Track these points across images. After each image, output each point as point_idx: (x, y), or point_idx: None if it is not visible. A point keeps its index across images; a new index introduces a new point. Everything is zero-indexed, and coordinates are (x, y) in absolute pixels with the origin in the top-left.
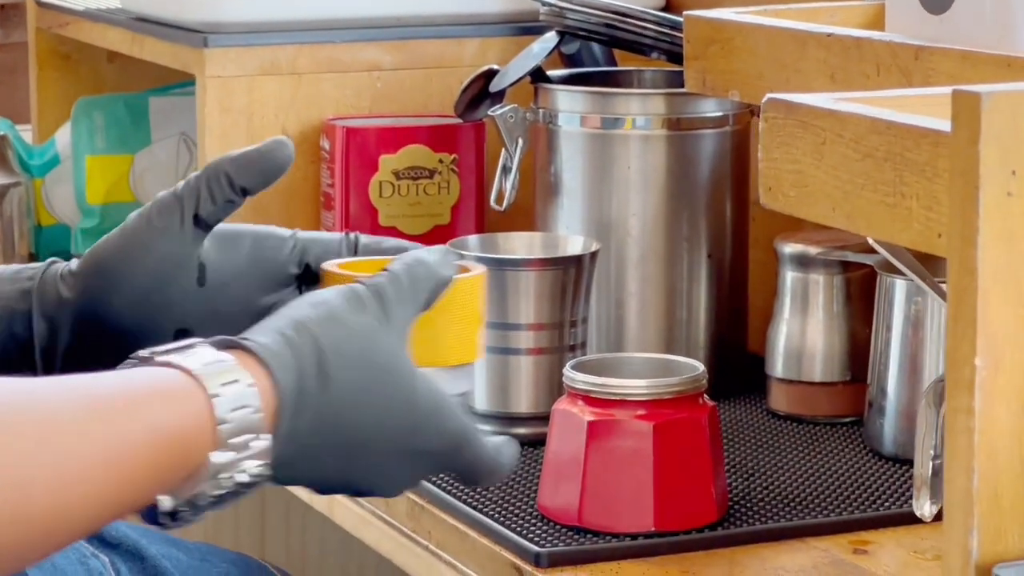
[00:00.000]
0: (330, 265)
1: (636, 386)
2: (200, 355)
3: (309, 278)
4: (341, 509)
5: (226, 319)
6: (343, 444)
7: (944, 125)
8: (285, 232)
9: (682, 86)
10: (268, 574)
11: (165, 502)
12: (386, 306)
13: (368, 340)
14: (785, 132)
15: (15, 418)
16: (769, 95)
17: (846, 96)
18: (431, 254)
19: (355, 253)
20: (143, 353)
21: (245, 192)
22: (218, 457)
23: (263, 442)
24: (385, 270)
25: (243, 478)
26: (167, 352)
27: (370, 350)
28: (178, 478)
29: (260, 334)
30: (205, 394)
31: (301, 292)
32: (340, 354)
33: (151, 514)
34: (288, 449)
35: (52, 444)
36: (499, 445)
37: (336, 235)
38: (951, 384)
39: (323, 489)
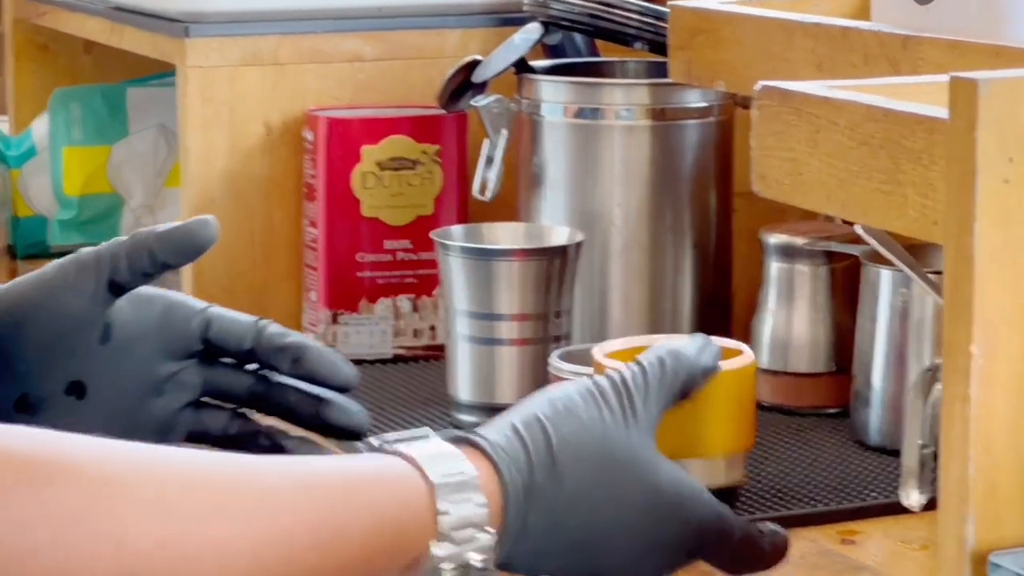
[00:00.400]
0: (597, 353)
1: None
2: (426, 446)
3: (211, 354)
4: None
5: (125, 379)
6: (578, 541)
7: (940, 112)
8: (198, 305)
9: (665, 77)
10: None
11: None
12: (630, 399)
13: (604, 434)
14: (779, 120)
15: (227, 494)
16: (763, 82)
17: (840, 84)
18: (690, 344)
19: (257, 342)
20: (373, 441)
21: (166, 267)
22: (439, 549)
23: (488, 536)
24: (636, 360)
25: (465, 573)
26: (395, 441)
27: (606, 445)
28: (394, 567)
29: (491, 429)
30: (426, 482)
31: (201, 367)
32: (573, 450)
33: None
34: (520, 547)
35: (260, 521)
36: (766, 533)
37: (247, 318)
38: (947, 371)
39: None
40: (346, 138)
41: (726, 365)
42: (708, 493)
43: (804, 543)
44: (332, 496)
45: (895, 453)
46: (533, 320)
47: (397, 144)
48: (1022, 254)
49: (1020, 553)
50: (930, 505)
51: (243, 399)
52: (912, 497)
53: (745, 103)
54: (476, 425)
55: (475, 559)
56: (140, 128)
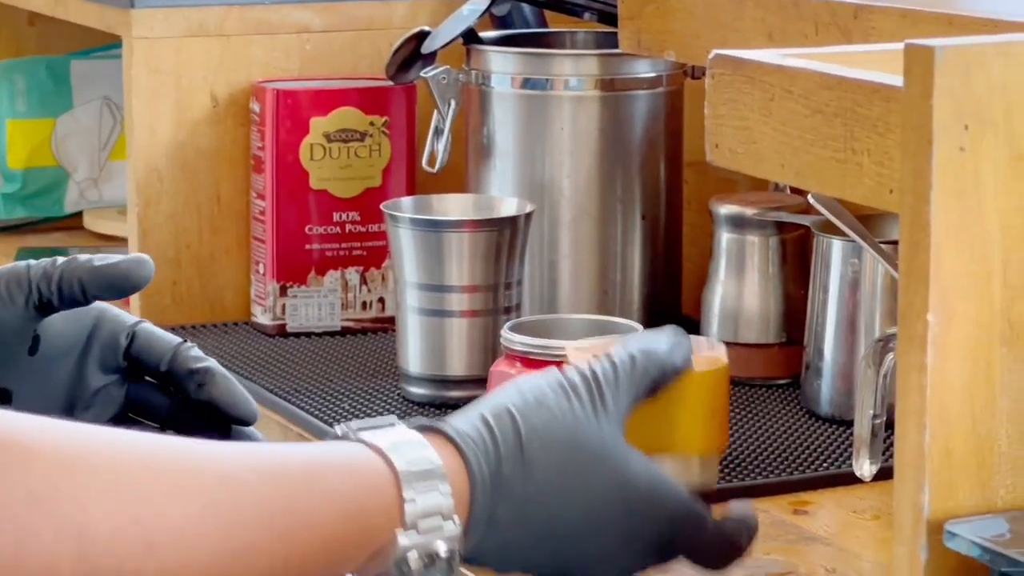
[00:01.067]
0: (571, 345)
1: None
2: (391, 434)
3: (135, 372)
4: None
5: (51, 390)
6: (547, 533)
7: (896, 80)
8: (128, 320)
9: (614, 47)
10: None
11: None
12: (600, 392)
13: (575, 426)
14: (732, 89)
15: (188, 478)
16: (716, 51)
17: (794, 52)
18: (662, 340)
19: (173, 363)
20: (337, 430)
21: (96, 298)
22: (404, 538)
23: (454, 525)
24: (607, 355)
25: (431, 562)
26: (360, 429)
27: (576, 436)
28: (360, 556)
29: (459, 418)
30: (392, 470)
31: (126, 383)
32: (543, 441)
33: None
34: (488, 539)
35: (222, 505)
36: (736, 525)
37: (170, 339)
38: (903, 340)
39: None
40: (294, 110)
41: (699, 365)
42: (681, 487)
43: (757, 514)
44: (295, 482)
45: (846, 423)
46: (483, 291)
47: (345, 116)
48: (978, 222)
49: (975, 521)
50: (881, 475)
51: (163, 418)
52: (864, 467)
53: (695, 73)
54: (426, 397)
55: (441, 548)
56: (85, 101)
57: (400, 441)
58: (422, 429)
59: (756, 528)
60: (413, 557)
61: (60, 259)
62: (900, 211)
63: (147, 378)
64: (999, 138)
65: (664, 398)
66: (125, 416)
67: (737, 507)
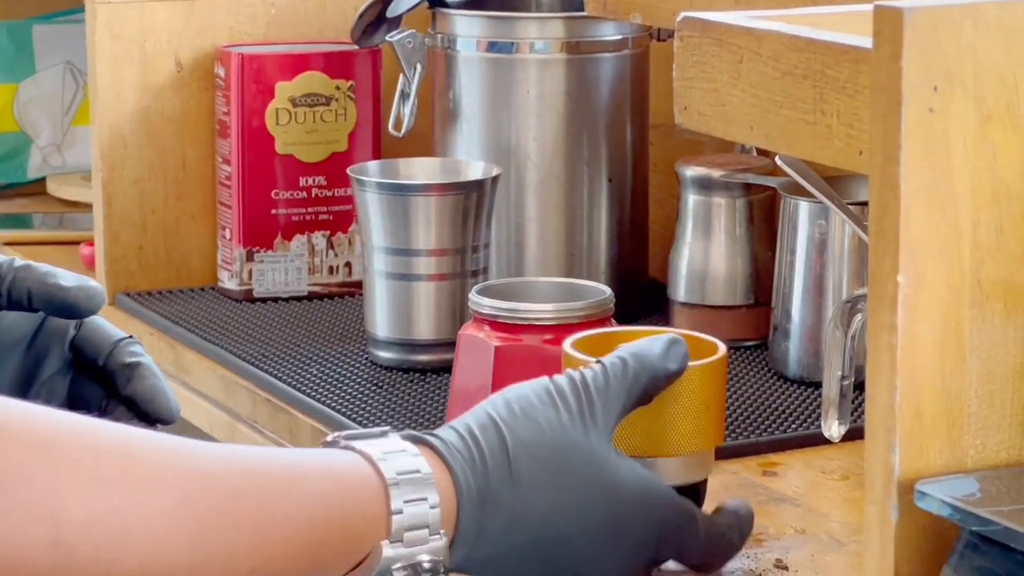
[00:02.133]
0: (567, 345)
1: (544, 310)
2: (384, 443)
3: (79, 364)
4: (243, 439)
5: (2, 377)
6: (537, 544)
7: (865, 42)
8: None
9: (580, 9)
10: None
11: None
12: (589, 401)
13: (562, 437)
14: (701, 51)
15: (167, 472)
16: (684, 13)
17: (762, 14)
18: (656, 344)
19: (108, 358)
20: (329, 438)
21: (39, 310)
22: (389, 550)
23: (439, 540)
24: (599, 361)
25: (416, 575)
26: (352, 436)
27: (563, 447)
28: (342, 564)
29: (447, 430)
30: (380, 479)
31: (70, 374)
32: (530, 453)
33: None
34: (477, 552)
35: (200, 503)
36: (728, 522)
37: (113, 333)
38: (873, 301)
39: None
40: (259, 75)
41: (695, 363)
42: (670, 490)
43: (726, 475)
44: (275, 481)
45: (815, 384)
46: (451, 255)
47: (310, 80)
48: (947, 183)
49: (946, 481)
50: (850, 435)
51: (98, 413)
52: (832, 428)
53: (661, 36)
54: (394, 361)
55: (425, 561)
56: (47, 65)
57: (391, 450)
58: (411, 440)
59: (751, 525)
60: (397, 568)
61: (18, 261)
62: (870, 173)
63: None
64: (968, 99)
65: (659, 401)
66: (68, 408)
67: (731, 504)
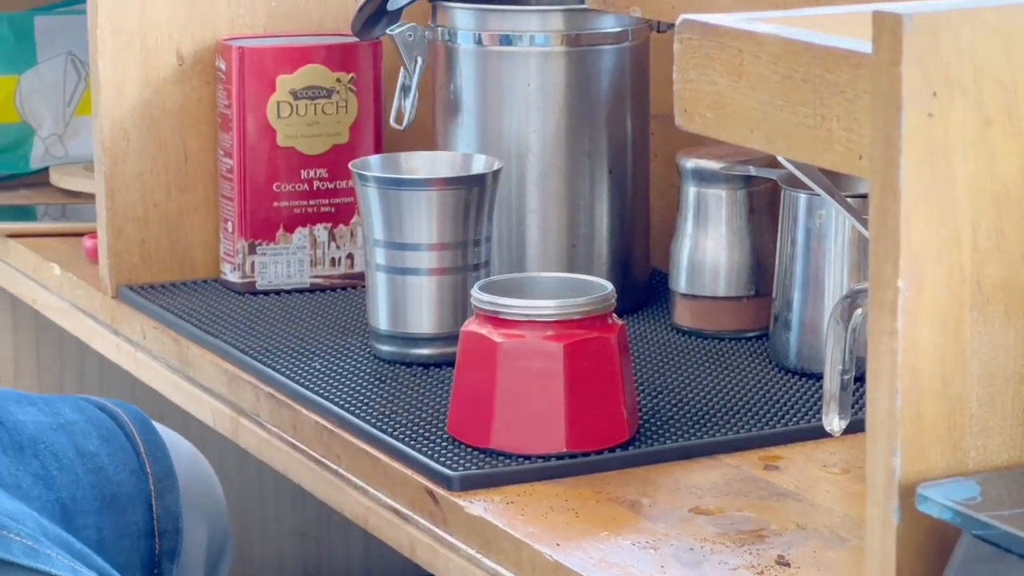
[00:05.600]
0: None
1: (545, 306)
2: None
3: None
4: (247, 434)
5: None
6: None
7: (865, 47)
8: None
9: (581, 1)
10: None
11: None
12: None
13: None
14: (701, 54)
15: None
16: (684, 16)
17: (763, 16)
18: None
19: None
20: None
21: None
22: None
23: None
24: None
25: None
26: None
27: None
28: None
29: None
30: None
31: None
32: None
33: None
34: None
35: None
36: None
37: None
38: (874, 305)
39: None
40: (260, 67)
41: None
42: None
43: (728, 470)
44: None
45: (815, 376)
46: (452, 249)
47: (311, 73)
48: (947, 187)
49: (947, 484)
50: (850, 428)
51: None
52: (834, 422)
53: (660, 27)
54: (395, 355)
55: None
56: (49, 56)
57: None
58: None
59: None
60: None
61: None
62: (870, 177)
63: None
64: (967, 103)
65: None
66: None
67: None
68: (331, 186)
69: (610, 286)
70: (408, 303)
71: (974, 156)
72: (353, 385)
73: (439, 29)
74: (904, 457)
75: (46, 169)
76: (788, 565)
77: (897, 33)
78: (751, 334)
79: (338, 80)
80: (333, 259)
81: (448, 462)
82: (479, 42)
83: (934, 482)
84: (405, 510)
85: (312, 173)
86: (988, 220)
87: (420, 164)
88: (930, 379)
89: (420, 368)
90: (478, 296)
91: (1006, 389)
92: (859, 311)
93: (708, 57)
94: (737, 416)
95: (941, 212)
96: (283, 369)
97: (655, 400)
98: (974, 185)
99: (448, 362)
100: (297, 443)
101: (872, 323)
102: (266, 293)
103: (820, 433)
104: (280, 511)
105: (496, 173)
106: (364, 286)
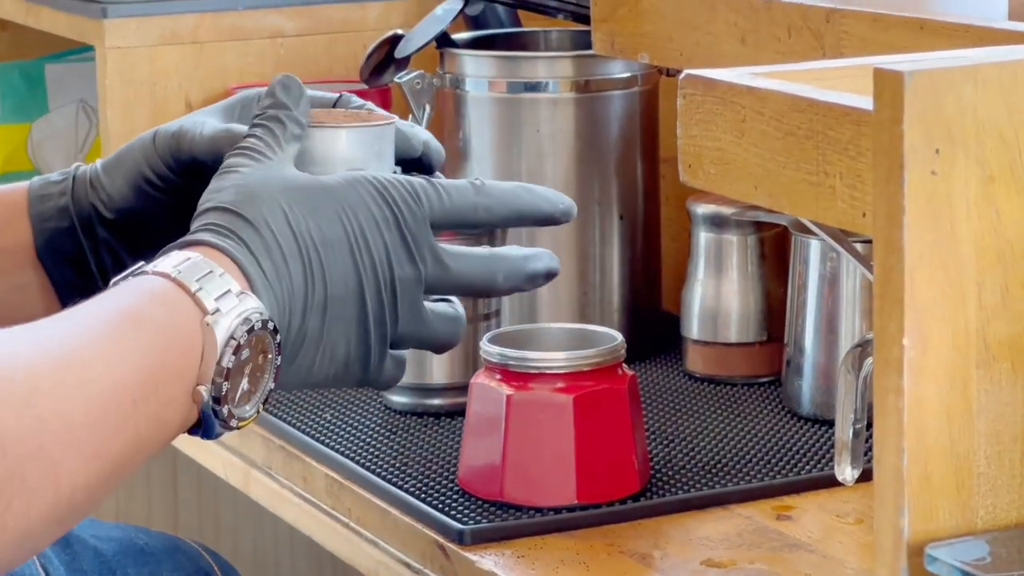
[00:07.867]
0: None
1: (554, 358)
2: (168, 260)
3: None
4: (257, 486)
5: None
6: (307, 253)
7: (866, 103)
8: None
9: (589, 46)
10: (196, 555)
11: (203, 392)
12: (268, 144)
13: (265, 174)
14: (704, 109)
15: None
16: (687, 71)
17: (765, 71)
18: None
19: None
20: (115, 279)
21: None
22: (215, 320)
23: (249, 298)
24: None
25: (246, 326)
26: (139, 267)
27: (269, 180)
28: (193, 359)
29: (202, 230)
30: (171, 279)
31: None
32: (256, 200)
33: (206, 421)
34: (270, 289)
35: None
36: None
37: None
38: (879, 364)
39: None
40: None
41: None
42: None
43: (740, 520)
44: (114, 319)
45: (828, 422)
46: (462, 298)
47: None
48: (951, 244)
49: (956, 544)
50: (864, 476)
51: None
52: (846, 472)
53: (670, 71)
54: (407, 406)
55: (253, 316)
56: (60, 104)
57: (179, 263)
58: (187, 245)
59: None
60: (235, 326)
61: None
62: (874, 236)
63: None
64: (970, 161)
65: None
66: None
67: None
68: None
69: (620, 336)
70: (419, 353)
71: (978, 213)
72: (364, 436)
73: (447, 76)
74: (912, 516)
75: None
76: None
77: (898, 91)
78: (763, 379)
79: None
80: None
81: (458, 515)
82: (487, 89)
83: (943, 542)
84: (416, 564)
85: None
86: (993, 277)
87: None
88: (937, 438)
89: (432, 418)
90: (487, 348)
91: (1014, 447)
92: (869, 360)
93: (711, 113)
94: (749, 465)
95: (946, 270)
96: (294, 420)
97: (667, 449)
98: (978, 242)
99: (461, 412)
100: (308, 495)
101: (877, 382)
102: None
103: (833, 481)
104: (296, 561)
105: None
106: None
